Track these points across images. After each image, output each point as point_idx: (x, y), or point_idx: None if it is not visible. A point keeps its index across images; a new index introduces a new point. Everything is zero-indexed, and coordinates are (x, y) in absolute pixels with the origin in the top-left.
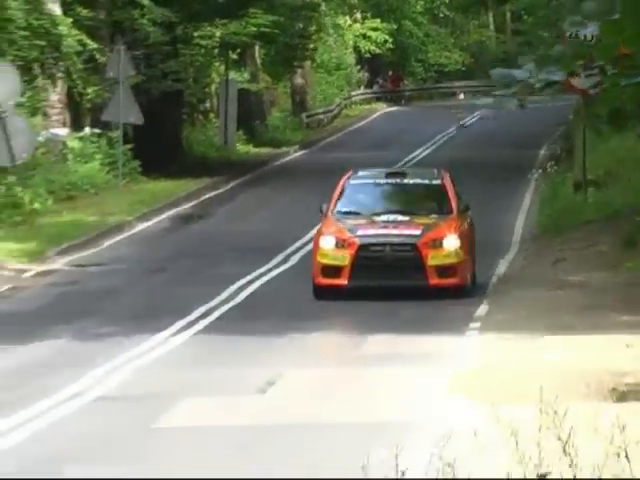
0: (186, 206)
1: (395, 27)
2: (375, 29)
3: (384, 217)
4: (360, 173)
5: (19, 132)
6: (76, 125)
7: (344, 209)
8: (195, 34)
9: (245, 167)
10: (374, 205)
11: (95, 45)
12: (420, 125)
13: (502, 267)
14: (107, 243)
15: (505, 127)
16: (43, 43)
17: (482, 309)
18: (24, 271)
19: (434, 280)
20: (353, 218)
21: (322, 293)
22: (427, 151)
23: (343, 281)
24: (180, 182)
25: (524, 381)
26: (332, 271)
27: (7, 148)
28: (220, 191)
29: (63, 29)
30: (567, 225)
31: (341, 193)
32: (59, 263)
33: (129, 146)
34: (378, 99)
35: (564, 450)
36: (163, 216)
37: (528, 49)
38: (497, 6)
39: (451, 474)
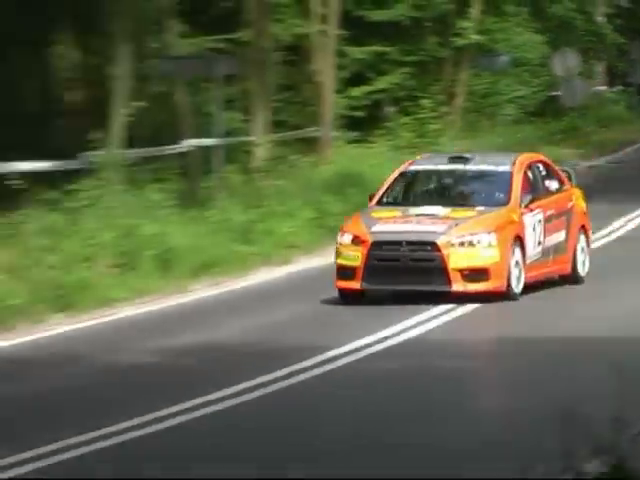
0: None
1: None
2: None
3: (421, 209)
4: (422, 159)
5: (578, 88)
6: (611, 84)
7: (388, 199)
8: None
9: None
10: (420, 195)
11: (623, 40)
12: None
13: None
14: (624, 150)
15: None
16: (594, 39)
17: None
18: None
19: (459, 285)
20: (389, 210)
21: (344, 297)
22: None
23: (356, 284)
24: None
25: None
26: (347, 272)
27: (573, 97)
28: None
29: (606, 31)
30: None
31: (395, 180)
32: (601, 161)
33: None
34: None
35: None
36: None
37: None
38: None
39: None
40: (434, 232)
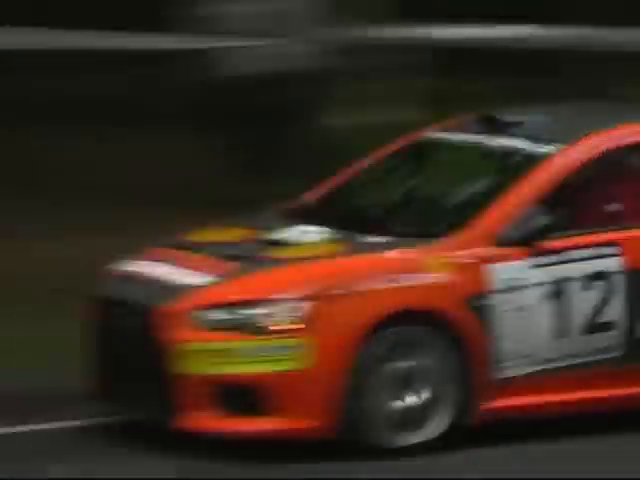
0: None
1: None
2: None
3: (290, 232)
4: (451, 122)
5: None
6: None
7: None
8: None
9: None
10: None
11: None
12: None
13: None
14: None
15: None
16: None
17: None
18: None
19: (195, 417)
20: (246, 227)
21: None
22: None
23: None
24: None
25: None
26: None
27: None
28: None
29: None
30: None
31: (376, 164)
32: None
33: None
34: None
35: None
36: None
37: None
38: None
39: None
40: (174, 286)
